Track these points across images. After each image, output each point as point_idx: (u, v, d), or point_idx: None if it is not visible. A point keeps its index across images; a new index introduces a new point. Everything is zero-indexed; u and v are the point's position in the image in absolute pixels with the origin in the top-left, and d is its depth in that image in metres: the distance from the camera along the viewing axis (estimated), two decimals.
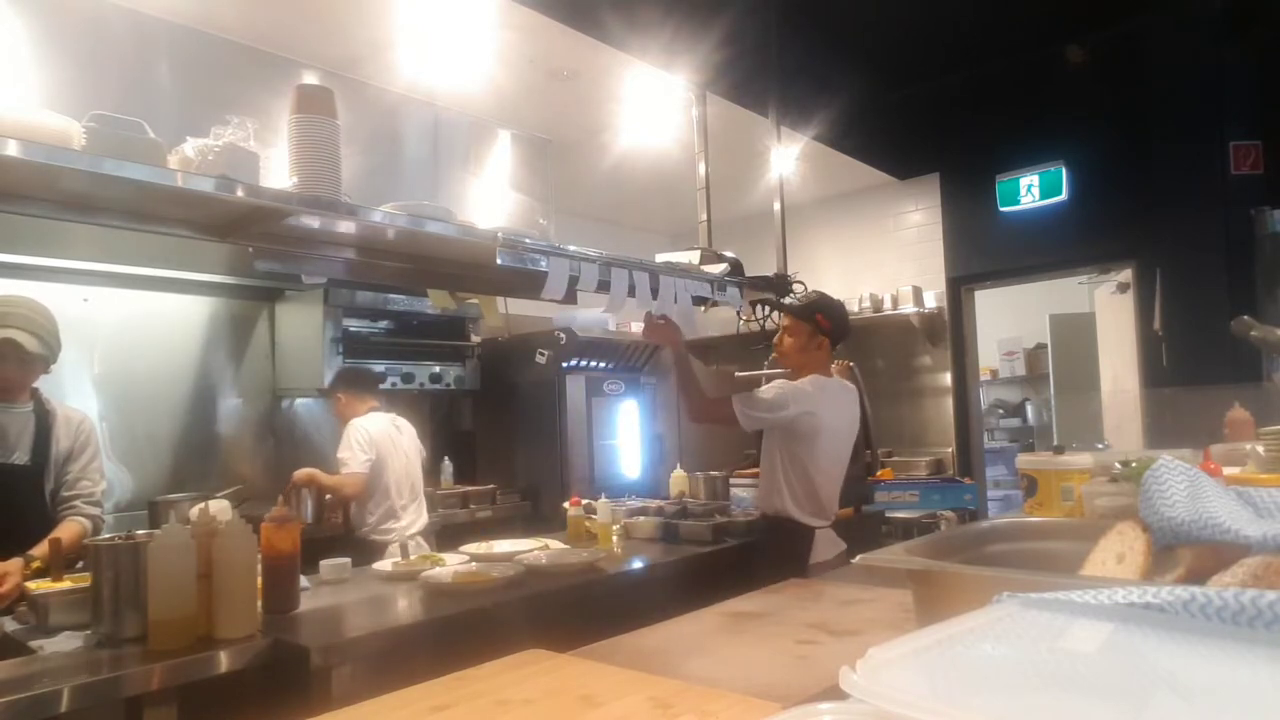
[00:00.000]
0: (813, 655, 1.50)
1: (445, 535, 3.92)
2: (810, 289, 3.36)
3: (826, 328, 2.98)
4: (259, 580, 2.02)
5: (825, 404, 2.88)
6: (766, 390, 2.89)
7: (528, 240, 2.52)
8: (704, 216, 3.93)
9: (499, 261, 2.43)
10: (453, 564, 2.63)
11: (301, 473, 3.57)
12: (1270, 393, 4.18)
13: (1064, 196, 5.06)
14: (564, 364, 4.47)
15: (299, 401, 4.29)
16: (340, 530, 3.70)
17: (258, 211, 2.07)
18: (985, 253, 5.44)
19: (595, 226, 6.10)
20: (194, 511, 2.03)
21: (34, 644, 1.85)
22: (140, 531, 2.07)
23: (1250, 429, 2.27)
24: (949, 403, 5.55)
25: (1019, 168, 5.22)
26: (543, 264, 2.53)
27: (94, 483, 2.59)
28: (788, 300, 3.24)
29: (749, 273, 3.53)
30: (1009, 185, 5.27)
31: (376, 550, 3.39)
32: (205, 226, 2.18)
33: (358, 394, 3.73)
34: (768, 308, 3.49)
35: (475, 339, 4.61)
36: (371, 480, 3.58)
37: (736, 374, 5.68)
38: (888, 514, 4.45)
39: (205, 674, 1.77)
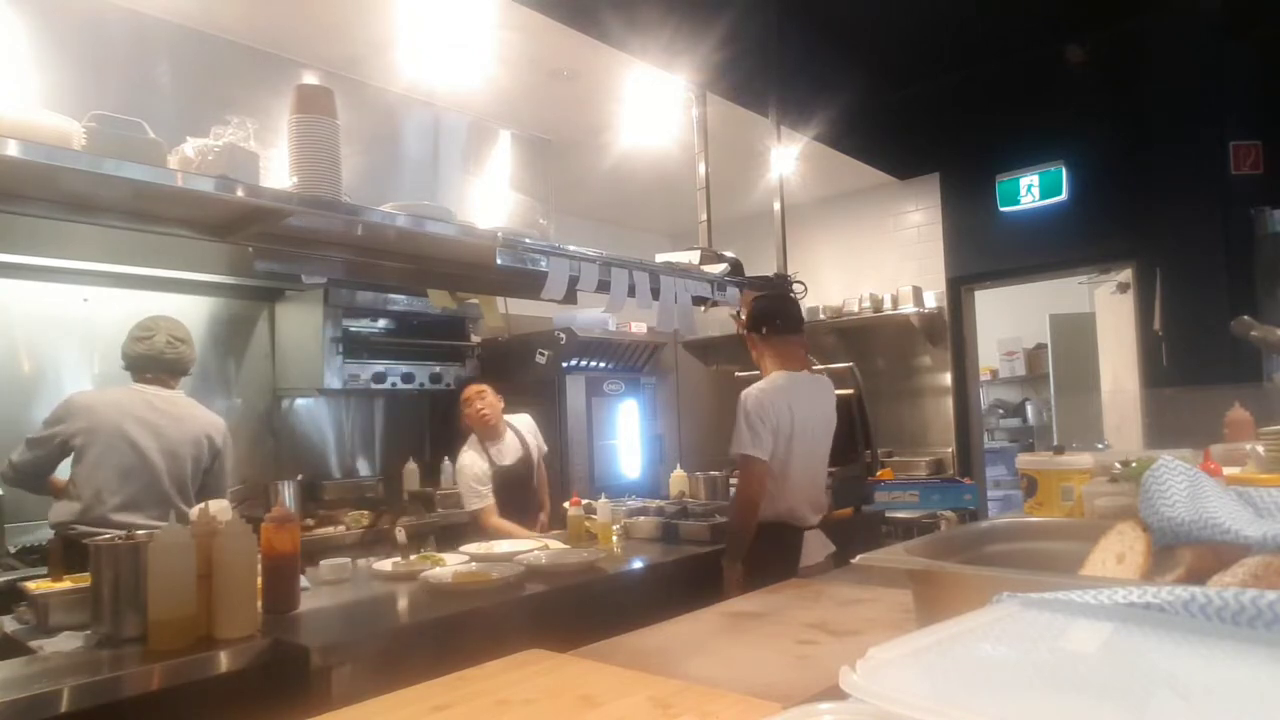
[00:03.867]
0: (813, 655, 1.50)
1: (445, 535, 3.92)
2: (809, 291, 3.52)
3: (751, 324, 3.01)
4: (259, 580, 2.02)
5: (782, 401, 2.83)
6: (738, 433, 2.80)
7: (528, 240, 2.52)
8: (704, 216, 3.93)
9: (499, 261, 2.43)
10: (453, 564, 2.63)
11: None
12: (1270, 393, 4.18)
13: (1064, 196, 5.06)
14: (564, 364, 4.46)
15: (299, 401, 4.28)
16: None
17: (258, 211, 2.07)
18: (985, 253, 5.44)
19: (595, 226, 6.10)
20: (194, 511, 2.04)
21: (34, 644, 1.85)
22: (140, 531, 2.08)
23: (1250, 429, 2.27)
24: (949, 403, 5.55)
25: (1019, 168, 5.22)
26: (543, 264, 2.53)
27: None
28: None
29: (749, 273, 3.53)
30: (1009, 185, 5.27)
31: None
32: (205, 226, 2.19)
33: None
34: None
35: (475, 339, 4.61)
36: None
37: (736, 374, 5.67)
38: (888, 514, 4.45)
39: (205, 674, 1.77)
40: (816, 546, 2.87)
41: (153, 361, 2.91)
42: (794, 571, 2.68)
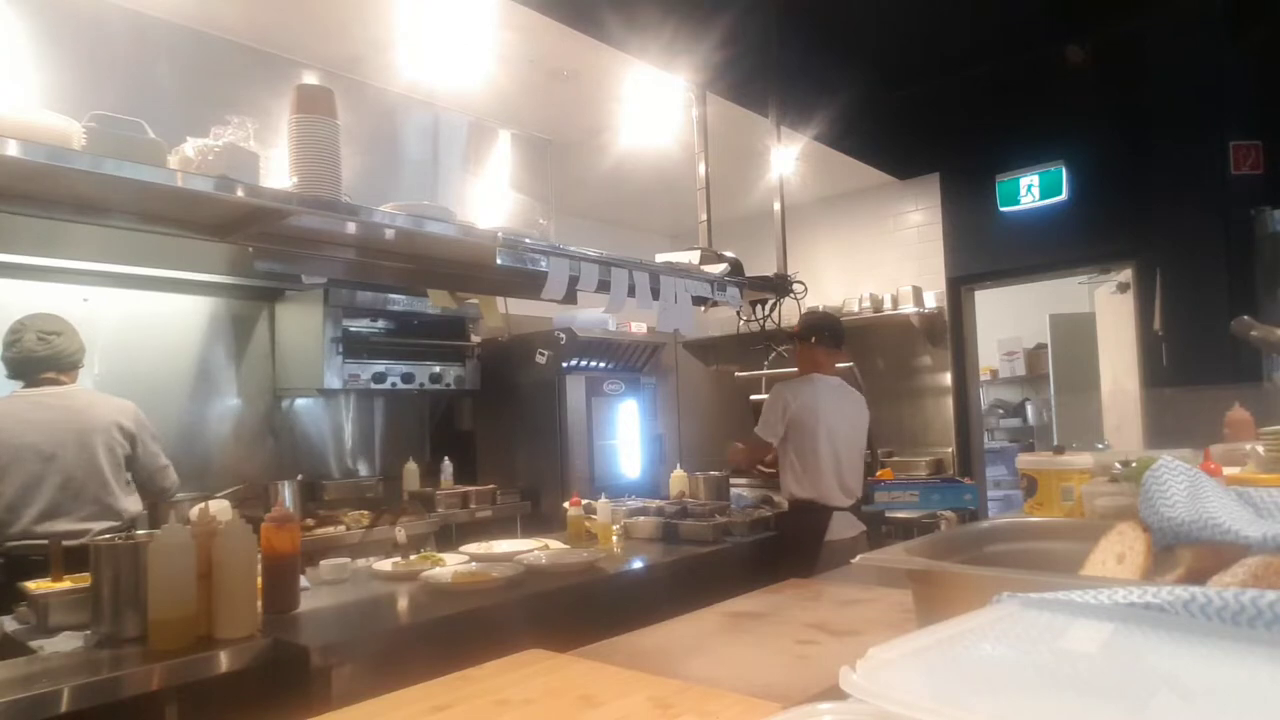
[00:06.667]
0: (813, 655, 1.50)
1: (445, 535, 3.92)
2: (808, 291, 3.84)
3: (801, 332, 3.64)
4: (259, 580, 2.02)
5: (806, 397, 3.45)
6: (763, 416, 3.54)
7: (528, 240, 2.52)
8: (704, 216, 3.93)
9: (499, 261, 2.43)
10: (453, 564, 2.63)
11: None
12: (1270, 393, 4.18)
13: (1064, 196, 5.06)
14: (564, 364, 4.46)
15: (299, 401, 4.28)
16: None
17: (258, 211, 2.07)
18: (985, 253, 5.44)
19: (595, 226, 6.10)
20: (194, 511, 2.04)
21: (34, 644, 1.85)
22: (140, 531, 2.07)
23: (1250, 429, 2.27)
24: (949, 403, 5.55)
25: (1019, 168, 5.22)
26: (543, 264, 2.53)
27: None
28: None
29: (749, 273, 3.54)
30: (1009, 185, 5.27)
31: None
32: (205, 226, 2.19)
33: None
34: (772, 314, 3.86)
35: (475, 339, 4.61)
36: None
37: (736, 374, 5.68)
38: (888, 514, 4.45)
39: (205, 674, 1.77)
40: (844, 525, 3.38)
41: (28, 363, 2.82)
42: (820, 544, 3.28)
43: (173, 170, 1.89)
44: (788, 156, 4.59)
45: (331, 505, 4.01)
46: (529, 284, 2.63)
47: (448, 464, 4.44)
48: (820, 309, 4.44)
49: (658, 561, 2.83)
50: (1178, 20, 4.59)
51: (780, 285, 3.67)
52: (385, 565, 2.64)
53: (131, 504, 2.96)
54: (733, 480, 4.10)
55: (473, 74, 3.82)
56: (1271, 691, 0.56)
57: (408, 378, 4.20)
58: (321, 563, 2.55)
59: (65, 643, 1.85)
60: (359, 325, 4.11)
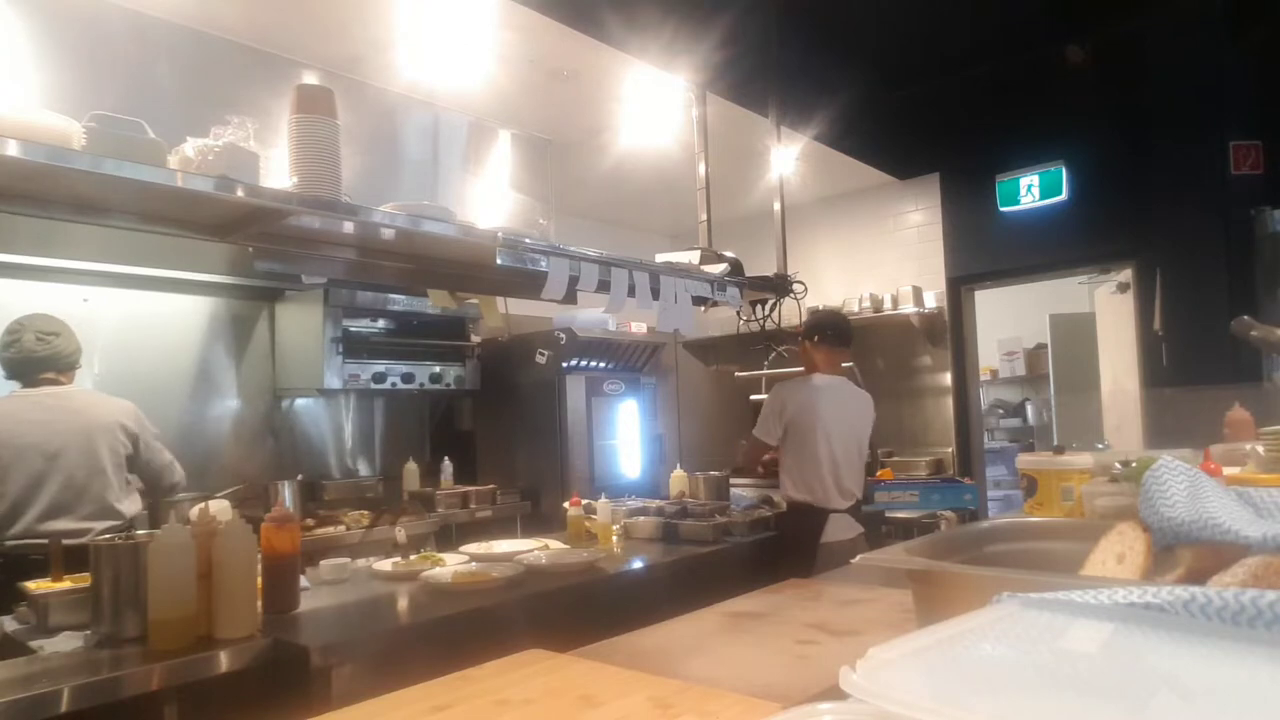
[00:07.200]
0: (813, 655, 1.50)
1: (445, 535, 3.92)
2: (808, 291, 3.86)
3: (805, 331, 3.62)
4: (259, 580, 2.02)
5: (804, 398, 3.43)
6: (760, 416, 3.53)
7: (528, 240, 2.52)
8: (704, 216, 3.93)
9: (499, 261, 2.43)
10: (453, 564, 2.63)
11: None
12: (1270, 393, 4.19)
13: (1064, 196, 5.06)
14: (564, 364, 4.46)
15: (299, 401, 4.28)
16: None
17: (258, 211, 2.07)
18: (985, 253, 5.44)
19: (595, 226, 6.10)
20: (194, 511, 2.04)
21: (34, 644, 1.85)
22: (140, 531, 2.07)
23: (1250, 429, 2.27)
24: (949, 403, 5.55)
25: (1019, 168, 5.22)
26: (543, 264, 2.53)
27: None
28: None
29: (749, 273, 3.54)
30: (1009, 185, 5.27)
31: None
32: (205, 226, 2.19)
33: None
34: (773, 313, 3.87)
35: (475, 339, 4.61)
36: None
37: (736, 374, 5.68)
38: (888, 514, 4.45)
39: (205, 674, 1.77)
40: (841, 527, 3.35)
41: (27, 363, 2.83)
42: (816, 546, 3.26)
43: (173, 170, 1.89)
44: (788, 156, 4.59)
45: (331, 505, 4.01)
46: (529, 284, 2.64)
47: (448, 464, 4.44)
48: (822, 308, 4.45)
49: (658, 561, 2.83)
50: (1178, 20, 4.59)
51: (780, 285, 3.68)
52: (385, 565, 2.64)
53: (131, 504, 2.97)
54: (733, 480, 4.10)
55: (473, 74, 3.82)
56: (1271, 691, 0.56)
57: (408, 378, 4.20)
58: (321, 563, 2.55)
59: (65, 643, 1.85)
60: (359, 325, 4.11)
